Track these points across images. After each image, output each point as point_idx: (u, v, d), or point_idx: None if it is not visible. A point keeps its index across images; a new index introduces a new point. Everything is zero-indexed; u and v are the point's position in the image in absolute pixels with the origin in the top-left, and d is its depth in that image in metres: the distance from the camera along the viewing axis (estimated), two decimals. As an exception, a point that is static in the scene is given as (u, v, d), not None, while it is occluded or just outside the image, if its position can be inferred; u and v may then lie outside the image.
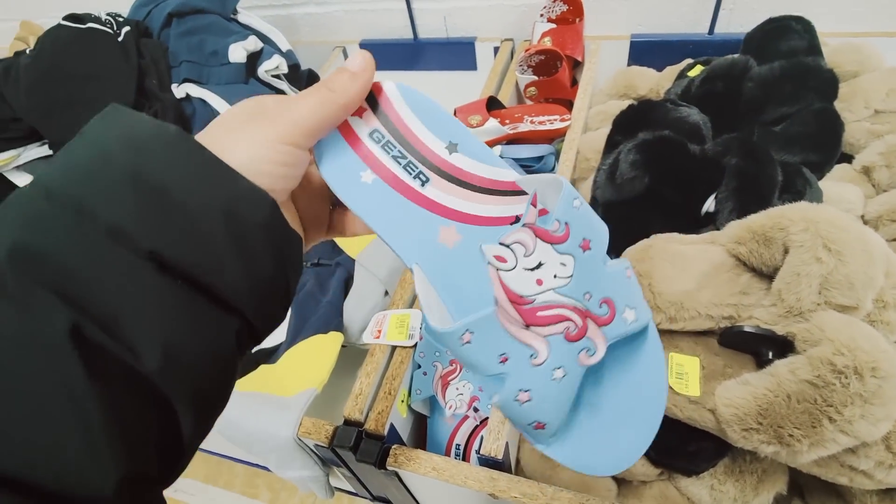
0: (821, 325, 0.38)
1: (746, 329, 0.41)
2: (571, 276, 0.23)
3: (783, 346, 0.40)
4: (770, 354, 0.41)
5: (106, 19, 0.82)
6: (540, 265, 0.23)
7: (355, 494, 0.65)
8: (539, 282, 0.23)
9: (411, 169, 0.25)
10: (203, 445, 0.72)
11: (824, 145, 0.58)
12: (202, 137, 0.21)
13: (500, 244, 0.23)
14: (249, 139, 0.21)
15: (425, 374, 0.55)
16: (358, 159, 0.25)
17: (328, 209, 0.29)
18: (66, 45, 0.76)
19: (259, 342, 0.23)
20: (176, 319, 0.19)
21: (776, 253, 0.42)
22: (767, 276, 0.44)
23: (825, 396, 0.36)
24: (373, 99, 0.25)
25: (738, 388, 0.40)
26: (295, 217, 0.26)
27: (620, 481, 0.51)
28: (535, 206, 0.23)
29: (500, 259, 0.23)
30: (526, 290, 0.23)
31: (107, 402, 0.17)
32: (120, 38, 0.80)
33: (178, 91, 0.82)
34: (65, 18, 0.79)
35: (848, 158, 0.62)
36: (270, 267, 0.21)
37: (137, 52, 0.81)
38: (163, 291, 0.18)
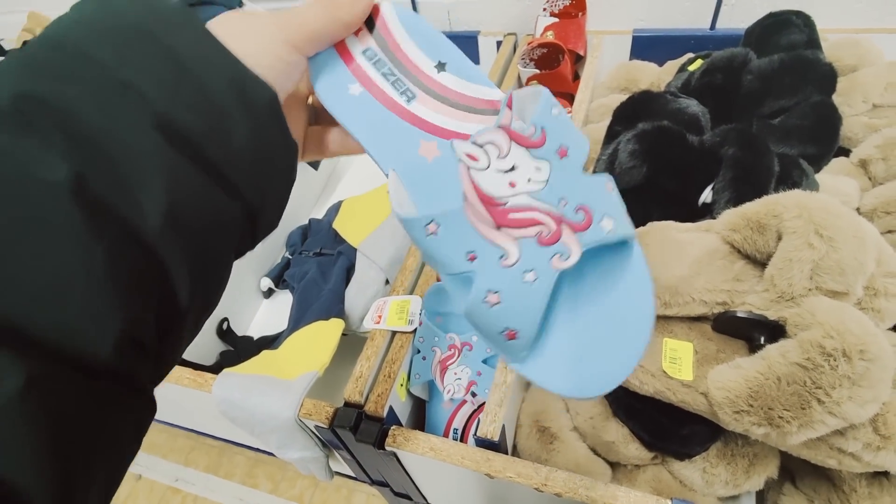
0: (811, 310, 0.38)
1: (739, 314, 0.42)
2: (547, 181, 0.22)
3: (775, 331, 0.41)
4: (762, 339, 0.42)
5: (113, 10, 0.82)
6: (514, 168, 0.23)
7: (355, 479, 0.66)
8: (512, 184, 0.22)
9: (399, 86, 0.25)
10: (206, 430, 0.73)
11: (822, 138, 0.59)
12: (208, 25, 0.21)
13: (473, 143, 0.23)
14: (256, 32, 0.22)
15: (424, 358, 0.56)
16: (349, 73, 0.25)
17: (304, 127, 0.28)
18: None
19: (255, 242, 0.23)
20: (181, 184, 0.18)
21: (770, 240, 0.43)
22: (761, 263, 0.44)
23: (814, 378, 0.37)
24: (370, 19, 0.26)
25: (729, 371, 0.41)
26: None
27: (615, 465, 0.52)
28: (510, 108, 0.23)
29: (472, 157, 0.23)
30: (498, 192, 0.22)
31: (106, 253, 0.16)
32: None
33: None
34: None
35: (846, 153, 0.63)
36: (274, 149, 0.22)
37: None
38: (170, 154, 0.18)
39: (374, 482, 0.62)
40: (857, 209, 0.57)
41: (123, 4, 0.19)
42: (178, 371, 0.56)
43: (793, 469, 0.48)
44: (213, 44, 0.20)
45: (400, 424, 0.55)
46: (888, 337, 0.41)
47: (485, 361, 0.56)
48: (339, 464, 0.62)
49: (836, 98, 0.62)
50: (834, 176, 0.59)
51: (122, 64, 0.18)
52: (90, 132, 0.17)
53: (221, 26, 0.21)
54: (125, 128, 0.17)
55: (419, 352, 0.57)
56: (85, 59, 0.17)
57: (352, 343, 0.67)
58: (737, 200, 0.51)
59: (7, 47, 1.24)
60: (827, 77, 0.60)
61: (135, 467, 1.50)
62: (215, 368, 0.74)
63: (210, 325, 0.76)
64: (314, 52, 0.24)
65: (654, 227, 0.49)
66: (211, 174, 0.19)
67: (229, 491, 1.43)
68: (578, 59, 0.88)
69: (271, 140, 0.21)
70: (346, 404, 0.51)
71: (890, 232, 0.54)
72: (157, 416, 0.73)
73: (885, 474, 0.43)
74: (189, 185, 0.18)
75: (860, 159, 0.60)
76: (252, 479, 1.43)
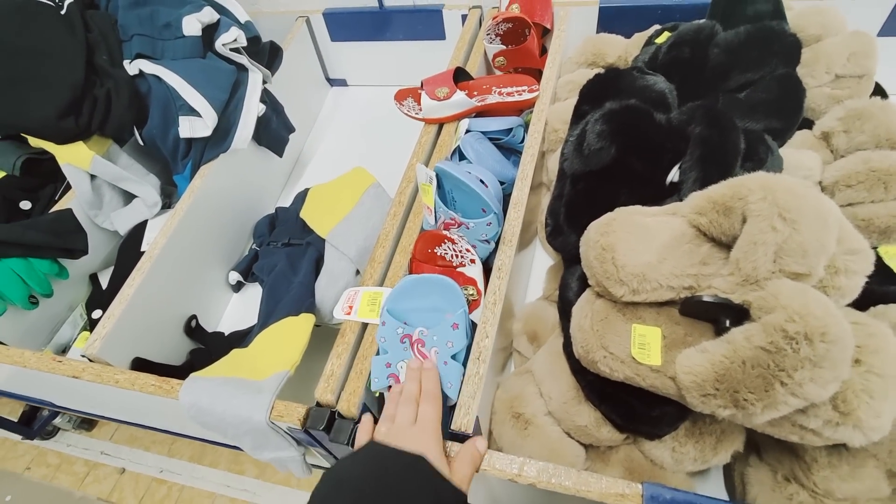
0: (775, 293, 0.39)
1: (705, 299, 0.42)
2: None
3: (740, 314, 0.41)
4: (727, 322, 0.42)
5: (46, -10, 0.76)
6: None
7: (334, 470, 0.66)
8: None
9: None
10: (184, 431, 0.72)
11: (786, 112, 0.59)
12: None
13: None
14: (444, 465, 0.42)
15: (388, 365, 0.52)
16: None
17: None
18: (3, 20, 0.71)
19: None
20: None
21: (735, 222, 0.43)
22: (727, 245, 0.44)
23: (777, 361, 0.37)
24: None
25: (696, 355, 0.41)
26: None
27: (588, 447, 0.53)
28: None
29: None
30: None
31: None
32: (63, 11, 0.75)
33: (131, 67, 0.77)
34: (0, -10, 0.73)
35: (810, 124, 0.63)
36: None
37: (84, 25, 0.76)
38: None
39: (353, 474, 0.62)
40: (820, 182, 0.57)
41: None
42: (142, 378, 0.55)
43: (758, 441, 0.50)
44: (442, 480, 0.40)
45: (376, 419, 0.54)
46: (847, 314, 0.42)
47: (454, 357, 0.54)
48: (317, 457, 0.61)
49: (800, 69, 0.62)
50: (797, 150, 0.59)
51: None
52: None
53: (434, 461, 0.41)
54: None
55: (379, 353, 0.53)
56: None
57: (325, 334, 0.65)
58: (703, 180, 0.51)
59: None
60: (792, 48, 0.59)
61: (118, 461, 1.49)
62: (186, 368, 0.72)
63: (177, 324, 0.74)
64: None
65: (621, 213, 0.48)
66: None
67: (216, 479, 1.43)
68: (546, 33, 0.86)
69: None
70: (319, 404, 0.51)
71: (850, 205, 0.55)
72: (132, 420, 0.72)
73: (845, 444, 0.44)
74: None
75: (822, 132, 0.60)
76: (238, 466, 1.44)
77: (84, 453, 1.51)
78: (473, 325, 0.54)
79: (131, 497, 1.41)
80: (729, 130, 0.52)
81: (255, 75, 0.83)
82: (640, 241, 0.45)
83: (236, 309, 0.84)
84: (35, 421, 1.49)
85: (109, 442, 1.53)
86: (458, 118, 0.75)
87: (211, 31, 0.80)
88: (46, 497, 1.44)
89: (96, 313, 0.77)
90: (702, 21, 0.64)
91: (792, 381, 0.37)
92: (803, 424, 0.40)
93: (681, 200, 0.50)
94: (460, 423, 0.46)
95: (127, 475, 1.46)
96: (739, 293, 0.42)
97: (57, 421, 1.52)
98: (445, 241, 0.59)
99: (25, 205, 0.81)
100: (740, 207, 0.42)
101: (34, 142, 0.75)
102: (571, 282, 0.55)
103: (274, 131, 0.89)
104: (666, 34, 0.70)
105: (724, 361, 0.39)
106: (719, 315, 0.43)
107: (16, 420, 1.45)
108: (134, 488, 1.43)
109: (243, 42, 0.81)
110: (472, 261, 0.58)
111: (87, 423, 1.56)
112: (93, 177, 0.78)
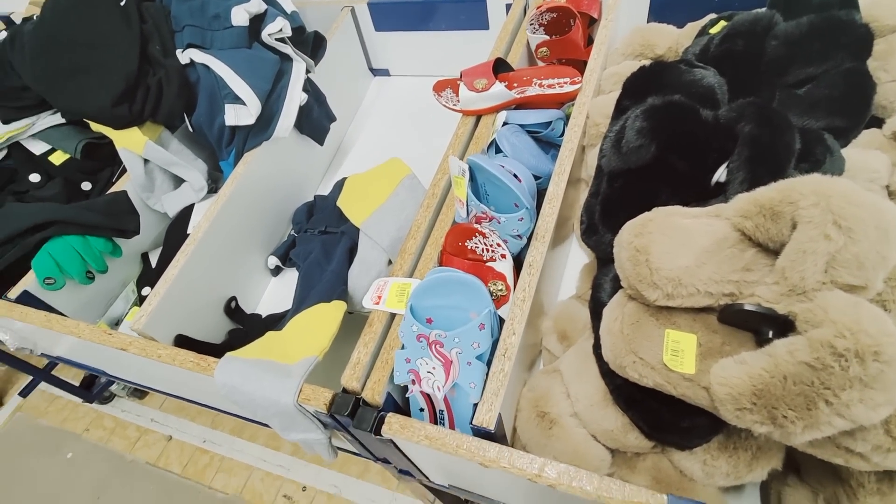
0: (823, 306, 0.36)
1: (746, 307, 0.40)
2: None
3: (784, 326, 0.39)
4: (770, 334, 0.39)
5: (108, -18, 0.80)
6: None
7: (360, 455, 0.67)
8: None
9: None
10: (220, 406, 0.74)
11: (851, 109, 0.54)
12: None
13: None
14: None
15: (408, 360, 0.52)
16: None
17: None
18: (66, 11, 0.75)
19: None
20: None
21: (784, 228, 0.40)
22: (774, 252, 0.42)
23: (823, 379, 0.35)
24: None
25: (733, 366, 0.39)
26: None
27: (614, 452, 0.51)
28: None
29: None
30: None
31: None
32: (122, 3, 0.79)
33: (182, 57, 0.81)
34: (66, -18, 0.77)
35: (879, 123, 0.58)
36: None
37: (139, 16, 0.80)
38: None
39: (377, 459, 0.63)
40: (887, 187, 0.53)
41: None
42: (182, 354, 0.57)
43: (798, 460, 0.47)
44: None
45: (399, 408, 0.55)
46: (908, 332, 0.39)
47: (478, 357, 0.53)
48: (343, 441, 0.63)
49: (872, 62, 0.57)
50: (863, 150, 0.54)
51: None
52: None
53: None
54: None
55: (403, 347, 0.53)
56: None
57: (356, 322, 0.66)
58: (752, 181, 0.48)
59: (17, 20, 1.24)
60: (861, 40, 0.55)
61: (166, 429, 1.58)
62: (224, 347, 0.75)
63: (218, 304, 0.77)
64: None
65: (659, 213, 0.46)
66: None
67: (254, 452, 1.49)
68: (593, 23, 0.83)
69: None
70: (345, 391, 0.52)
71: (921, 212, 0.50)
72: (174, 392, 0.75)
73: (896, 471, 0.41)
74: None
75: (893, 132, 0.55)
76: (274, 442, 1.49)
77: (136, 419, 1.62)
78: (502, 321, 0.53)
79: (176, 464, 1.50)
80: (782, 130, 0.49)
81: (299, 65, 0.85)
82: (677, 244, 0.43)
83: (275, 292, 0.86)
84: (94, 386, 1.61)
85: (159, 410, 1.63)
86: (496, 110, 0.74)
87: (258, 22, 0.82)
88: (102, 457, 1.55)
89: (146, 290, 0.81)
90: (760, 10, 0.60)
91: (838, 400, 0.34)
92: (850, 447, 0.37)
93: (726, 202, 0.47)
94: (482, 419, 0.46)
95: (173, 442, 1.55)
96: (784, 304, 0.39)
97: (113, 388, 1.63)
98: (476, 234, 0.58)
99: (86, 186, 0.86)
100: (790, 212, 0.39)
101: (95, 126, 0.79)
102: (604, 282, 0.53)
103: (315, 120, 0.90)
104: (721, 24, 0.66)
105: (763, 375, 0.37)
106: (761, 326, 0.40)
107: (77, 384, 1.57)
108: (179, 455, 1.52)
109: (288, 32, 0.83)
110: (503, 256, 0.58)
111: (139, 391, 1.66)
112: (146, 161, 0.82)
